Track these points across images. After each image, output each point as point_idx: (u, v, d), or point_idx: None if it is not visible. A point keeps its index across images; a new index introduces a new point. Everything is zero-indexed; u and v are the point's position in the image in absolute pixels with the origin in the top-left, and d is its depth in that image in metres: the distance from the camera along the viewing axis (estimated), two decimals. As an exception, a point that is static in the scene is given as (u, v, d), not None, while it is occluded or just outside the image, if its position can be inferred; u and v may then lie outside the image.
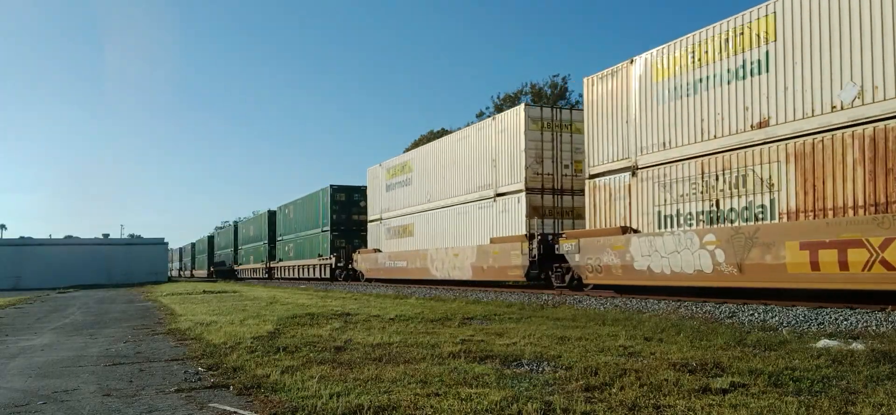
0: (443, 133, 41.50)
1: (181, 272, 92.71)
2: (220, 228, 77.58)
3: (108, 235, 56.60)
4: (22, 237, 52.78)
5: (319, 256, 36.36)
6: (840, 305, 10.55)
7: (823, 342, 6.82)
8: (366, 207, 32.56)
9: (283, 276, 44.71)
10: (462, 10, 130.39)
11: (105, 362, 7.07)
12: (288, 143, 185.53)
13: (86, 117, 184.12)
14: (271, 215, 49.26)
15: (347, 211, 35.65)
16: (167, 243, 60.10)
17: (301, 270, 40.22)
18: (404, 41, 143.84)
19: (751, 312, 10.32)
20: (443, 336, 8.13)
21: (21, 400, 5.22)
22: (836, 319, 9.09)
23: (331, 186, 35.95)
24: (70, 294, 29.15)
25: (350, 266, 32.84)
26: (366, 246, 31.57)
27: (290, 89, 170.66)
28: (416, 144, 45.58)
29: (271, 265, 47.52)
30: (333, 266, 34.31)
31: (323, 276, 35.90)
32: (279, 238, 46.20)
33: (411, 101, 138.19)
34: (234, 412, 4.55)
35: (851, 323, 8.67)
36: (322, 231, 36.36)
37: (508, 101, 43.05)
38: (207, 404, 4.84)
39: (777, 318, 9.56)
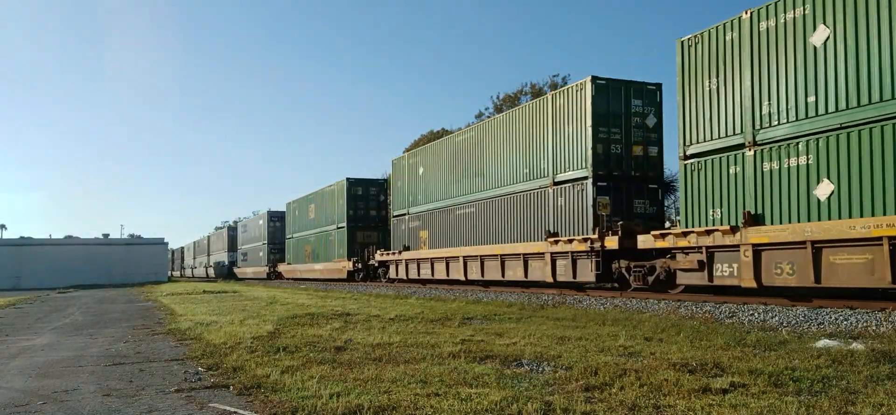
0: (443, 133, 41.38)
1: (182, 272, 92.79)
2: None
3: (108, 235, 56.62)
4: (22, 237, 52.84)
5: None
6: (840, 304, 10.55)
7: (823, 342, 6.83)
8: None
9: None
10: (461, 9, 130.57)
11: (105, 362, 7.07)
12: (286, 143, 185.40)
13: (86, 117, 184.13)
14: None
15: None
16: (167, 243, 60.22)
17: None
18: (403, 41, 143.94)
19: (751, 312, 10.32)
20: (443, 336, 8.13)
21: (21, 400, 5.22)
22: (836, 319, 9.09)
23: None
24: (70, 294, 29.16)
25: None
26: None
27: (287, 90, 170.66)
28: (416, 145, 45.51)
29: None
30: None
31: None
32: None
33: (410, 102, 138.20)
34: (235, 412, 4.56)
35: (851, 323, 8.68)
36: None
37: (508, 102, 42.90)
38: (207, 404, 4.84)
39: (777, 318, 9.56)
